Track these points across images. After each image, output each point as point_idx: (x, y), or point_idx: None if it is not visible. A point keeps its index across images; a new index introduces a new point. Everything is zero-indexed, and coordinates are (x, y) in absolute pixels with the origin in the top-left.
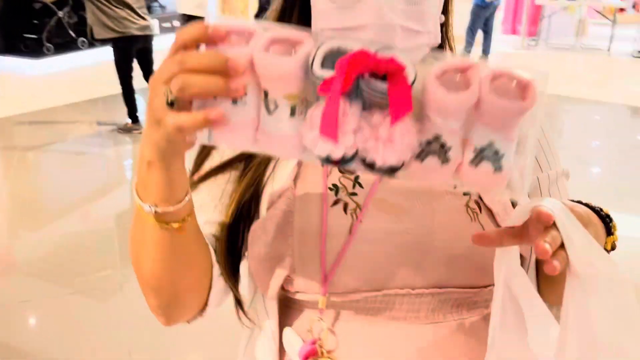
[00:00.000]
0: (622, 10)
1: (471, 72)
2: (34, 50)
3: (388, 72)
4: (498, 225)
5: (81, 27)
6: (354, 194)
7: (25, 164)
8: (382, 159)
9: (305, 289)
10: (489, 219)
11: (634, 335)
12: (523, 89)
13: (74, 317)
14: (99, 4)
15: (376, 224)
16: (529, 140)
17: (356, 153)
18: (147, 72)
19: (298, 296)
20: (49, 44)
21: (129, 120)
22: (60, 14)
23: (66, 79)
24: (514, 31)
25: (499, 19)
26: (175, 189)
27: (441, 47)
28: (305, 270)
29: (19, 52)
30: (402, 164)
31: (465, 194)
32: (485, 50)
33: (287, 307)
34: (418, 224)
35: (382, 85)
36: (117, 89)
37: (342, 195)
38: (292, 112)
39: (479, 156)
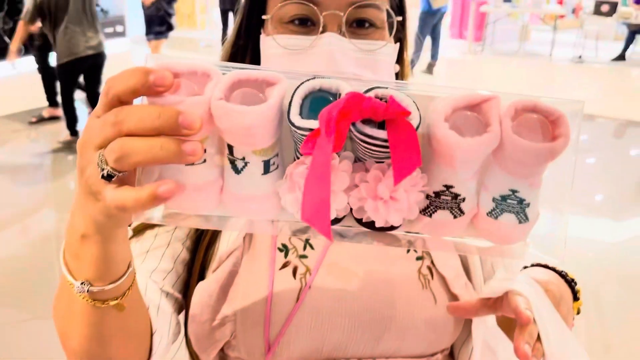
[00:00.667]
0: (562, 16)
1: (487, 107)
2: None
3: (387, 117)
4: (450, 292)
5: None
6: (305, 256)
7: None
8: (384, 219)
9: (247, 357)
10: (440, 286)
11: None
12: (553, 125)
13: (30, 345)
14: (69, 23)
15: (326, 291)
16: (566, 189)
17: (349, 211)
18: (94, 93)
19: None
20: None
21: (68, 132)
22: None
23: (1, 87)
24: (460, 35)
25: (446, 24)
26: (115, 264)
27: None
28: (248, 338)
29: None
30: (403, 222)
31: (418, 258)
32: (434, 56)
33: None
34: (371, 292)
35: (380, 134)
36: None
37: (292, 257)
38: (266, 169)
39: (500, 207)
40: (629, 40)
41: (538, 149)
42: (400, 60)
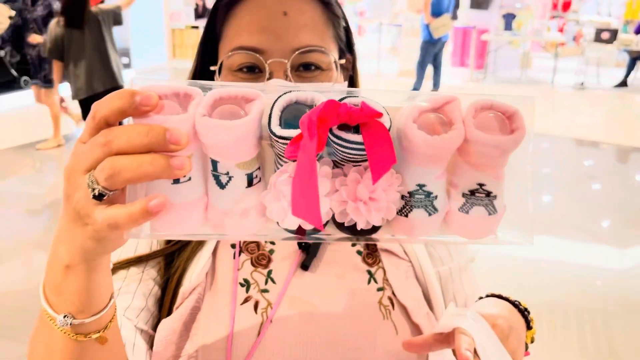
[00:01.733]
0: (563, 44)
1: (450, 109)
2: None
3: (361, 121)
4: (411, 322)
5: (23, 66)
6: (266, 290)
7: None
8: (365, 221)
9: None
10: (402, 315)
11: None
12: (509, 120)
13: None
14: (86, 59)
15: (287, 325)
16: (527, 176)
17: (331, 217)
18: None
19: None
20: None
21: None
22: (2, 52)
23: (7, 119)
24: (462, 64)
25: (448, 51)
26: (98, 296)
27: None
28: None
29: None
30: (381, 223)
31: (379, 289)
32: (436, 84)
33: None
34: (332, 325)
35: (356, 137)
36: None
37: (253, 292)
38: (249, 182)
39: (470, 201)
40: (630, 67)
41: (500, 141)
42: (353, 82)
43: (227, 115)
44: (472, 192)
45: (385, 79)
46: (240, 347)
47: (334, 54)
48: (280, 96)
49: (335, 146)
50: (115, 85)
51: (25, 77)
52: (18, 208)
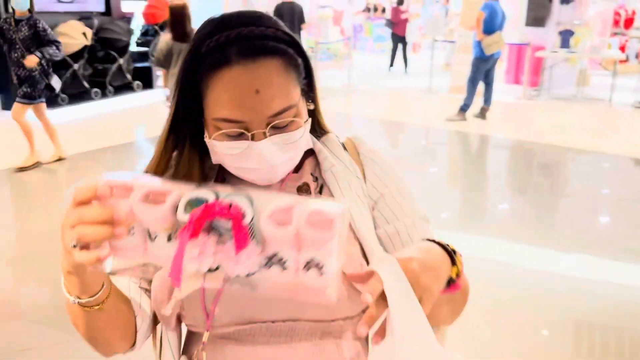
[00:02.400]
0: (623, 61)
1: (294, 210)
2: (49, 100)
3: (230, 217)
4: (343, 273)
5: (94, 79)
6: None
7: (37, 211)
8: (234, 272)
9: (194, 324)
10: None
11: None
12: (330, 223)
13: None
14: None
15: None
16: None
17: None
18: None
19: (192, 329)
20: (63, 95)
21: None
22: (76, 66)
23: (79, 128)
24: (516, 81)
25: (502, 69)
26: (90, 286)
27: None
28: (191, 310)
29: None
30: (254, 272)
31: None
32: (487, 101)
33: (192, 336)
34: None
35: (227, 225)
36: (125, 138)
37: None
38: (169, 239)
39: (307, 265)
40: None
41: (321, 235)
42: (313, 100)
43: (154, 202)
44: (309, 262)
45: (436, 95)
46: (210, 294)
47: (297, 96)
48: (187, 193)
49: (218, 228)
50: None
51: (95, 89)
52: None
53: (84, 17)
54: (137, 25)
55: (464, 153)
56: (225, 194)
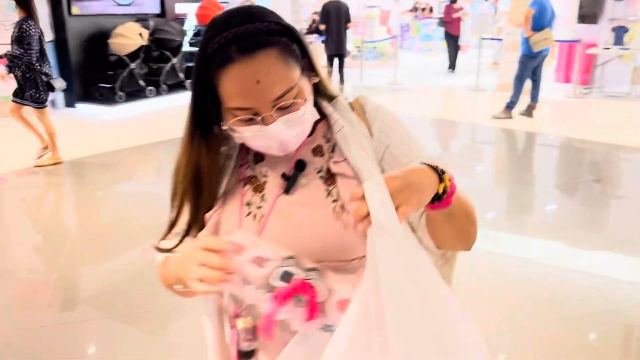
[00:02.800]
0: None
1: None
2: (108, 98)
3: (309, 295)
4: None
5: (149, 77)
6: (260, 207)
7: (94, 201)
8: (299, 329)
9: None
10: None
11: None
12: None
13: (131, 345)
14: None
15: (274, 226)
16: None
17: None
18: None
19: None
20: (121, 93)
21: None
22: (132, 65)
23: (134, 124)
24: (567, 79)
25: (552, 67)
26: (189, 292)
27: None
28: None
29: (95, 100)
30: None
31: (333, 201)
32: (534, 98)
33: None
34: (302, 225)
35: (304, 298)
36: (177, 133)
37: (253, 208)
38: (257, 289)
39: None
40: None
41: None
42: (316, 74)
43: (257, 264)
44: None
45: (484, 93)
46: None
47: (297, 76)
48: (282, 266)
49: (298, 300)
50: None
51: (150, 87)
52: (137, 204)
53: (141, 19)
54: (190, 26)
55: (510, 151)
56: (309, 274)
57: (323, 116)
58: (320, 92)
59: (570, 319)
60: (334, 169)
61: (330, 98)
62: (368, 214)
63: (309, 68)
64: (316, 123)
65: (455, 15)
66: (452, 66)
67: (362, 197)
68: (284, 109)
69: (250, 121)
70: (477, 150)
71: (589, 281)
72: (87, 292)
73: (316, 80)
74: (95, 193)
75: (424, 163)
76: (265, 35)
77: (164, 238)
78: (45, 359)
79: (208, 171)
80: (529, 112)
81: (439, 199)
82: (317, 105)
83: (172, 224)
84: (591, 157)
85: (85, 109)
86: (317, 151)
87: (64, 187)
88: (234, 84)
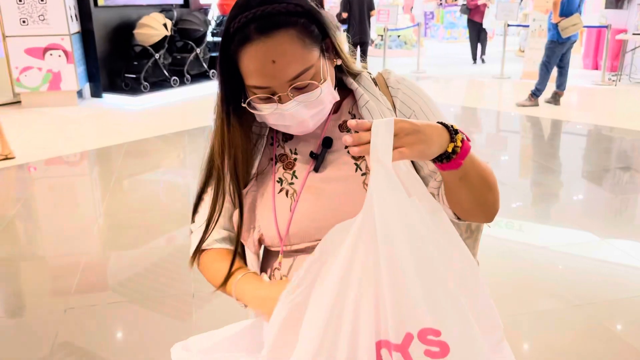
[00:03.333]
0: None
1: None
2: (133, 88)
3: None
4: None
5: (173, 67)
6: (292, 183)
7: (120, 189)
8: None
9: (272, 244)
10: None
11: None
12: None
13: (157, 329)
14: None
15: (307, 202)
16: None
17: None
18: None
19: (271, 249)
20: (145, 83)
21: None
22: (157, 55)
23: (158, 113)
24: (595, 66)
25: (580, 54)
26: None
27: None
28: (268, 235)
29: (121, 90)
30: None
31: (362, 174)
32: (560, 86)
33: (269, 255)
34: (333, 200)
35: None
36: (201, 122)
37: (285, 185)
38: None
39: None
40: None
41: None
42: (338, 54)
43: None
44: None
45: (509, 81)
46: (282, 218)
47: (314, 57)
48: None
49: None
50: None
51: (174, 77)
52: (162, 193)
53: (165, 9)
54: (213, 16)
55: (536, 139)
56: None
57: (349, 92)
58: (344, 71)
59: (595, 305)
60: None
61: (355, 75)
62: (367, 143)
63: (331, 49)
64: (342, 100)
65: (480, 2)
66: (475, 57)
67: (369, 129)
68: (300, 89)
69: (268, 100)
70: (502, 138)
71: (615, 269)
72: (114, 277)
73: (338, 62)
74: (121, 181)
75: (440, 122)
76: (283, 16)
77: (194, 216)
78: (72, 340)
79: (243, 149)
80: (555, 99)
81: (448, 158)
82: (342, 82)
83: (199, 198)
84: (619, 145)
85: (112, 99)
86: (344, 127)
87: (90, 176)
88: (252, 62)
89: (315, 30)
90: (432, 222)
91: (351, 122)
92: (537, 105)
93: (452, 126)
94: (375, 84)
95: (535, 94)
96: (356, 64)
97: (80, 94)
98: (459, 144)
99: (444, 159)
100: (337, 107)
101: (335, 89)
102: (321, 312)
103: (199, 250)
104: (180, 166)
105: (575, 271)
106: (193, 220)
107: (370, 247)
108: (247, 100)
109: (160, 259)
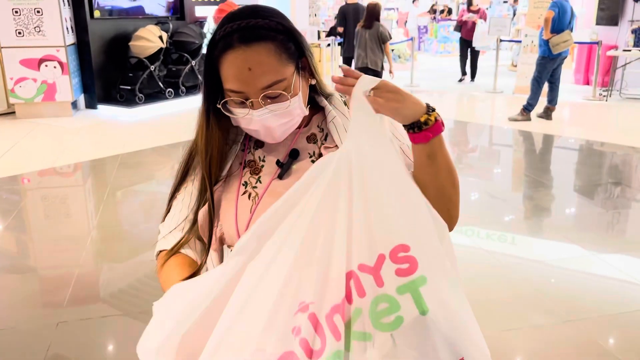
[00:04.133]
0: None
1: None
2: (128, 99)
3: None
4: None
5: (168, 79)
6: (255, 187)
7: (114, 201)
8: None
9: (231, 243)
10: None
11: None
12: None
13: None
14: None
15: (267, 205)
16: None
17: None
18: None
19: (231, 248)
20: (140, 94)
21: None
22: (152, 67)
23: (153, 125)
24: (586, 82)
25: (571, 69)
26: None
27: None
28: (229, 233)
29: (115, 101)
30: None
31: None
32: (551, 101)
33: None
34: None
35: None
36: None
37: (249, 188)
38: None
39: None
40: None
41: None
42: (312, 75)
43: None
44: None
45: (501, 96)
46: (242, 217)
47: (288, 72)
48: None
49: None
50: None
51: (169, 89)
52: (156, 205)
53: (161, 22)
54: (209, 28)
55: (528, 153)
56: None
57: (320, 110)
58: (318, 92)
59: (587, 321)
60: (325, 153)
61: (327, 96)
62: (351, 86)
63: (307, 68)
64: (312, 115)
65: (464, 18)
66: (465, 72)
67: (356, 78)
68: (272, 99)
69: (242, 104)
70: (495, 152)
71: (607, 284)
72: (106, 290)
73: (313, 81)
74: (115, 193)
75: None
76: (264, 30)
77: (166, 214)
78: (64, 354)
79: (218, 149)
80: (547, 114)
81: (420, 128)
82: (314, 100)
83: (173, 196)
84: (610, 160)
85: (106, 111)
86: (311, 139)
87: (84, 187)
88: (231, 68)
89: (292, 48)
90: (403, 166)
91: (343, 66)
92: (529, 119)
93: (430, 105)
94: (345, 104)
95: (527, 108)
96: (329, 87)
97: (75, 105)
98: (432, 119)
99: (415, 128)
100: (307, 122)
101: (307, 106)
102: (291, 248)
103: (169, 251)
104: (174, 178)
105: (567, 286)
106: (163, 219)
107: (344, 176)
108: (222, 102)
109: (154, 271)
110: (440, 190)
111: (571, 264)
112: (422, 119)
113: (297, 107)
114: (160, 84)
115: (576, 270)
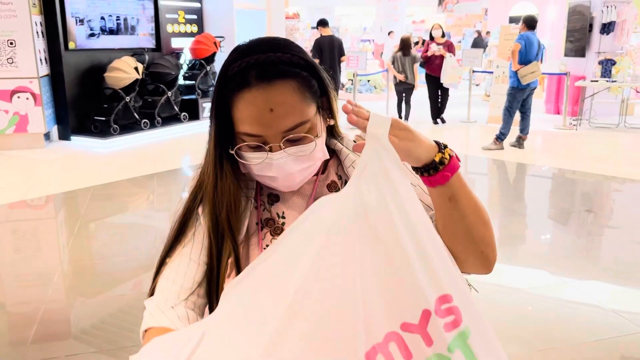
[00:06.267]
0: None
1: None
2: (102, 130)
3: None
4: None
5: (144, 110)
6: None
7: (86, 234)
8: None
9: None
10: None
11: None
12: None
13: None
14: None
15: None
16: None
17: None
18: None
19: None
20: (115, 125)
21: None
22: (127, 98)
23: (128, 156)
24: (557, 111)
25: (542, 99)
26: None
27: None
28: None
29: (90, 132)
30: None
31: None
32: (523, 130)
33: None
34: None
35: None
36: (171, 165)
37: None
38: None
39: None
40: None
41: None
42: (332, 114)
43: None
44: None
45: (475, 125)
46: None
47: (312, 112)
48: None
49: None
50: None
51: (145, 120)
52: (130, 237)
53: (137, 53)
54: (185, 59)
55: (501, 182)
56: None
57: (333, 153)
58: (330, 133)
59: (559, 349)
60: None
61: (339, 136)
62: (366, 119)
63: (326, 107)
64: (327, 161)
65: (429, 54)
66: (435, 115)
67: (366, 118)
68: (293, 142)
69: (258, 148)
70: (469, 180)
71: (579, 311)
72: (76, 326)
73: (332, 122)
74: (88, 225)
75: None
76: (285, 65)
77: (158, 269)
78: None
79: (235, 197)
80: (519, 143)
81: (435, 169)
82: (326, 143)
83: (163, 262)
84: (582, 188)
85: (80, 142)
86: (332, 187)
87: (55, 220)
88: (248, 108)
89: (315, 86)
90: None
91: (351, 102)
92: (502, 148)
93: (442, 143)
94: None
95: (500, 137)
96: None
97: (47, 136)
98: (447, 156)
99: (431, 170)
100: (324, 168)
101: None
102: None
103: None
104: (149, 209)
105: (539, 314)
106: (152, 292)
107: (362, 229)
108: (237, 147)
109: (127, 306)
110: (470, 234)
111: (544, 292)
112: (437, 158)
113: (319, 150)
114: (135, 114)
115: (549, 297)
